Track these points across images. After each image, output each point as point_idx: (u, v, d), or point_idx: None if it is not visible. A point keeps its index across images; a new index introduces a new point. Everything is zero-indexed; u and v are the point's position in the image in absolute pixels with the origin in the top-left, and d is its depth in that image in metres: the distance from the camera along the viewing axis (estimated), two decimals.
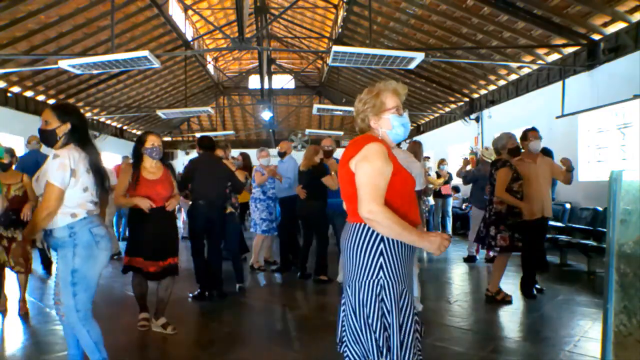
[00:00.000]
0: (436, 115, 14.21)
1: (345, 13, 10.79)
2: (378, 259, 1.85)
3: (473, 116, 11.55)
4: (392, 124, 1.96)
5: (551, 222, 6.66)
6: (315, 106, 11.32)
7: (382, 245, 1.85)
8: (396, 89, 2.00)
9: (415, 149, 6.25)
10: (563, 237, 6.38)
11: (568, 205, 7.27)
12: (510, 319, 4.19)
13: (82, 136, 2.54)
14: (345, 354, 1.96)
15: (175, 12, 11.30)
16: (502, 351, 3.34)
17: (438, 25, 8.92)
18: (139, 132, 16.91)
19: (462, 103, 12.07)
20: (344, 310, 1.99)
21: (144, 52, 5.61)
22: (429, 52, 8.60)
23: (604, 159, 7.11)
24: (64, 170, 2.38)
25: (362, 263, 1.87)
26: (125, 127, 16.01)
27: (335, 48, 5.63)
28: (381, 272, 1.85)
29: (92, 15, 8.58)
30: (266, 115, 15.42)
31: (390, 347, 1.84)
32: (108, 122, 14.59)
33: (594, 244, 5.81)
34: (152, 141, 3.57)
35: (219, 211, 4.71)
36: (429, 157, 9.58)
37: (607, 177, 1.05)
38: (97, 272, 2.53)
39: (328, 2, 12.38)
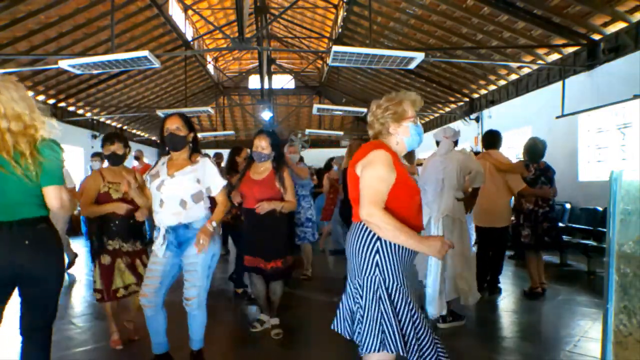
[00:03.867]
0: (436, 115, 14.21)
1: (345, 13, 10.79)
2: (374, 256, 1.96)
3: (473, 116, 11.55)
4: (410, 132, 2.09)
5: None
6: (315, 106, 11.32)
7: (378, 243, 1.96)
8: (415, 100, 2.13)
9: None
10: (563, 237, 6.38)
11: (568, 205, 7.27)
12: (510, 319, 4.19)
13: (198, 147, 2.93)
14: (357, 341, 2.03)
15: (175, 12, 11.30)
16: (502, 351, 3.35)
17: (438, 25, 8.92)
18: (139, 132, 16.94)
19: (462, 103, 12.07)
20: (356, 304, 2.07)
21: (144, 52, 5.60)
22: (429, 52, 8.60)
23: (604, 159, 7.11)
24: None
25: (360, 260, 1.99)
26: (125, 127, 16.01)
27: (335, 48, 5.63)
28: (377, 269, 1.96)
29: (92, 15, 8.58)
30: (266, 115, 15.41)
31: (386, 340, 1.90)
32: (108, 122, 14.59)
33: (594, 244, 5.81)
34: (257, 143, 3.55)
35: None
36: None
37: (607, 177, 1.05)
38: None
39: (328, 2, 12.38)
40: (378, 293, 1.95)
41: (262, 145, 3.47)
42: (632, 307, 0.81)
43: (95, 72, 6.51)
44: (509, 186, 4.74)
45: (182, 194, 2.74)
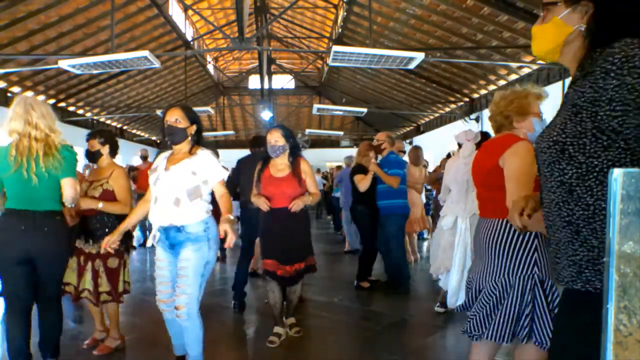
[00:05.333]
0: (436, 115, 14.22)
1: (345, 13, 10.79)
2: (533, 254, 1.98)
3: (473, 116, 11.55)
4: (534, 128, 2.08)
5: None
6: (315, 106, 11.32)
7: (536, 241, 1.97)
8: (541, 94, 2.12)
9: (416, 154, 6.31)
10: None
11: None
12: None
13: (202, 140, 2.76)
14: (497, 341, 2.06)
15: (175, 12, 11.31)
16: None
17: (438, 25, 8.92)
18: (139, 132, 16.95)
19: (462, 103, 12.07)
20: (485, 302, 2.07)
21: (144, 52, 5.61)
22: (429, 52, 8.60)
23: None
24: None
25: (515, 259, 1.99)
26: (125, 127, 16.02)
27: (335, 48, 5.63)
28: (535, 268, 1.97)
29: (92, 15, 8.59)
30: (266, 115, 15.44)
31: (539, 335, 1.95)
32: (108, 122, 14.60)
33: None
34: (269, 138, 3.39)
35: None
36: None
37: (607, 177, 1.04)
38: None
39: (328, 2, 12.38)
40: (534, 291, 1.96)
41: (275, 137, 3.34)
42: (632, 307, 0.81)
43: (95, 72, 6.52)
44: None
45: (177, 189, 2.54)
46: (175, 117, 2.62)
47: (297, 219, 3.39)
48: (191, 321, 2.58)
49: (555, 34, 1.18)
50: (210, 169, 2.62)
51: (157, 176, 2.62)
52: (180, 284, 2.57)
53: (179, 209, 2.54)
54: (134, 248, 7.77)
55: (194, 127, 2.68)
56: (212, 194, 2.70)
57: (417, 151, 6.37)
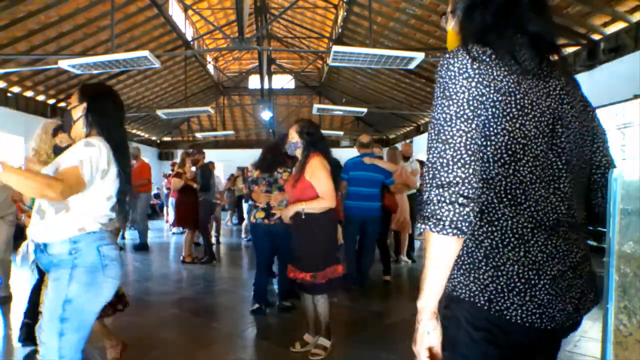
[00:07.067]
0: None
1: (345, 13, 10.79)
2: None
3: None
4: None
5: None
6: (315, 106, 11.32)
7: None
8: None
9: (392, 155, 6.32)
10: None
11: None
12: None
13: (107, 125, 1.95)
14: None
15: (175, 12, 11.31)
16: None
17: (438, 25, 8.91)
18: (139, 132, 16.95)
19: None
20: None
21: (144, 52, 5.61)
22: (429, 52, 8.60)
23: None
24: (94, 163, 1.78)
25: None
26: (125, 127, 16.00)
27: (335, 48, 5.63)
28: None
29: (92, 15, 8.59)
30: (266, 115, 15.42)
31: None
32: None
33: (594, 244, 5.80)
34: (289, 136, 3.30)
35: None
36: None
37: (607, 177, 1.05)
38: (97, 309, 1.86)
39: (328, 2, 12.38)
40: None
41: (291, 134, 3.23)
42: (632, 307, 0.81)
43: (95, 72, 6.52)
44: None
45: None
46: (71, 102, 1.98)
47: (302, 224, 3.12)
48: None
49: (451, 41, 1.34)
50: (67, 155, 1.81)
51: None
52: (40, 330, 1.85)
53: (43, 222, 1.80)
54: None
55: (82, 106, 1.92)
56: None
57: (393, 152, 6.40)
